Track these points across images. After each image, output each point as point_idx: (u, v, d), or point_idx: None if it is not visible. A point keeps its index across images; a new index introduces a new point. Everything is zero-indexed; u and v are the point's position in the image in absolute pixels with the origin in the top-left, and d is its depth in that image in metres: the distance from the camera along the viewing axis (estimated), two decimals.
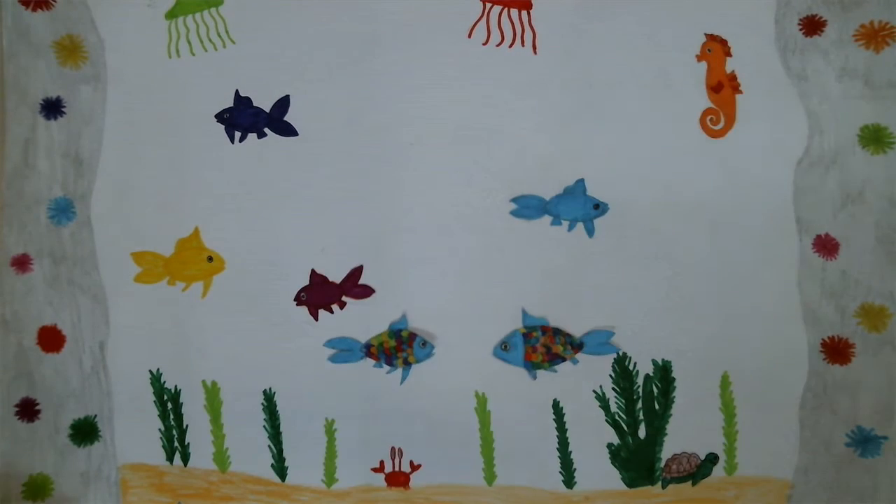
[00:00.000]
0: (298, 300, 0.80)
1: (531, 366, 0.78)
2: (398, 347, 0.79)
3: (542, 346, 0.78)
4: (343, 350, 0.80)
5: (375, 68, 0.79)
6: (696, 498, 0.79)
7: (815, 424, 0.77)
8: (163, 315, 0.82)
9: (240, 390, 0.81)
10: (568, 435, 0.79)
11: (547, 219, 0.78)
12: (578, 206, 0.78)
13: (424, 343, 0.78)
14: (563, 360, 0.78)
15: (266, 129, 0.80)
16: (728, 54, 0.78)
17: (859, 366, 0.77)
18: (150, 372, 0.82)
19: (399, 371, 0.79)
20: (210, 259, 0.81)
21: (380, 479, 0.81)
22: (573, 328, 0.78)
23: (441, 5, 0.78)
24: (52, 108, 0.81)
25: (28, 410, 0.82)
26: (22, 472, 0.81)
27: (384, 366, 0.79)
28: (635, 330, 0.78)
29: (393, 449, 0.80)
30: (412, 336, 0.79)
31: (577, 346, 0.78)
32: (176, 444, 0.83)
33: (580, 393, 0.79)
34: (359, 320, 0.80)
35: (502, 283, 0.79)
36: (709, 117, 0.78)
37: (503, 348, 0.78)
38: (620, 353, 0.78)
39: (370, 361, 0.80)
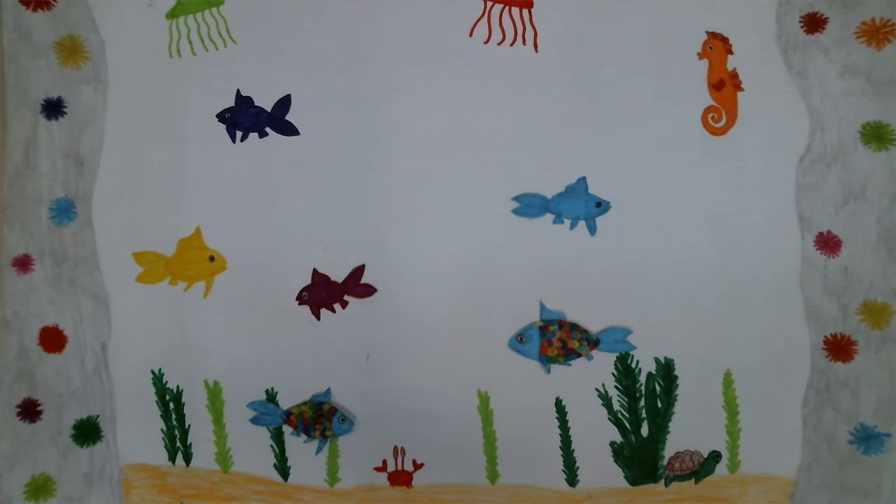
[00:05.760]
0: (300, 299, 0.80)
1: (546, 360, 0.78)
2: (317, 419, 0.79)
3: (558, 340, 0.77)
4: (263, 413, 0.81)
5: (376, 66, 0.79)
6: (699, 496, 0.79)
7: (817, 422, 0.77)
8: (165, 315, 0.82)
9: (242, 390, 0.81)
10: (570, 433, 0.79)
11: (549, 217, 0.78)
12: (580, 205, 0.78)
13: (344, 419, 0.79)
14: (579, 355, 0.78)
15: (267, 129, 0.80)
16: (729, 52, 0.78)
17: (862, 363, 0.77)
18: (152, 372, 0.82)
19: (316, 442, 0.80)
20: (212, 259, 0.81)
21: (382, 478, 0.81)
22: None
23: (442, 4, 0.79)
24: (53, 109, 0.81)
25: (30, 411, 0.81)
26: (24, 472, 0.81)
27: (301, 435, 0.80)
28: (637, 328, 0.78)
29: (395, 448, 0.80)
30: (332, 410, 0.79)
31: (593, 342, 0.78)
32: (178, 444, 0.83)
33: (583, 391, 0.79)
34: (360, 320, 0.80)
35: (504, 282, 0.79)
36: (710, 115, 0.78)
37: (519, 340, 0.78)
38: (623, 358, 0.78)
39: (372, 360, 0.79)
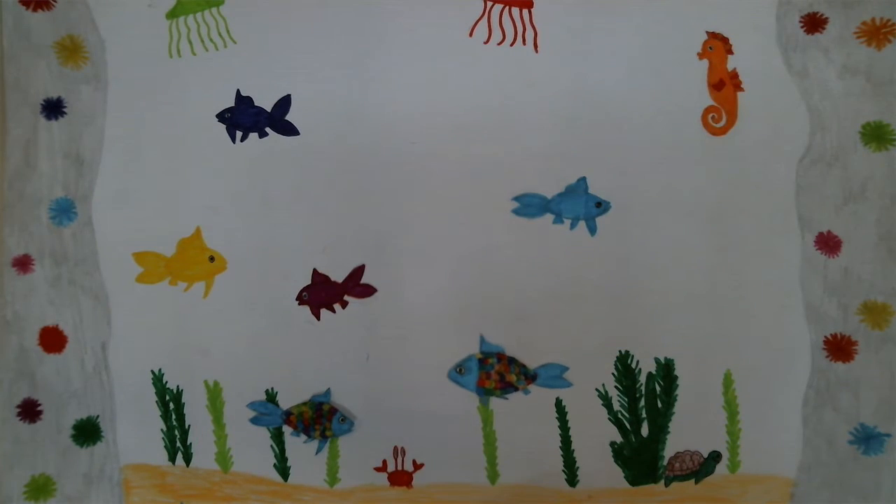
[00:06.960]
0: (300, 300, 0.80)
1: (483, 391, 0.78)
2: (316, 420, 0.79)
3: (496, 373, 0.78)
4: (263, 414, 0.81)
5: (377, 67, 0.79)
6: (699, 496, 0.79)
7: (817, 422, 0.77)
8: (164, 315, 0.82)
9: (242, 390, 0.81)
10: (570, 433, 0.79)
11: (549, 217, 0.78)
12: (580, 205, 0.78)
13: (343, 419, 0.79)
14: (516, 389, 0.78)
15: (267, 129, 0.80)
16: (729, 52, 0.78)
17: (862, 363, 0.77)
18: (152, 372, 0.82)
19: (316, 443, 0.80)
20: (212, 259, 0.81)
21: (382, 478, 0.81)
22: (575, 326, 0.78)
23: (442, 4, 0.78)
24: (53, 109, 0.81)
25: (30, 411, 0.81)
26: (24, 472, 0.81)
27: (301, 435, 0.80)
28: (638, 328, 0.78)
29: (395, 448, 0.80)
30: (332, 411, 0.79)
31: (530, 377, 0.78)
32: (178, 444, 0.83)
33: (583, 391, 0.79)
34: (360, 320, 0.80)
35: (504, 282, 0.79)
36: (710, 115, 0.78)
37: (458, 371, 0.78)
38: (623, 358, 0.78)
39: (372, 360, 0.79)
